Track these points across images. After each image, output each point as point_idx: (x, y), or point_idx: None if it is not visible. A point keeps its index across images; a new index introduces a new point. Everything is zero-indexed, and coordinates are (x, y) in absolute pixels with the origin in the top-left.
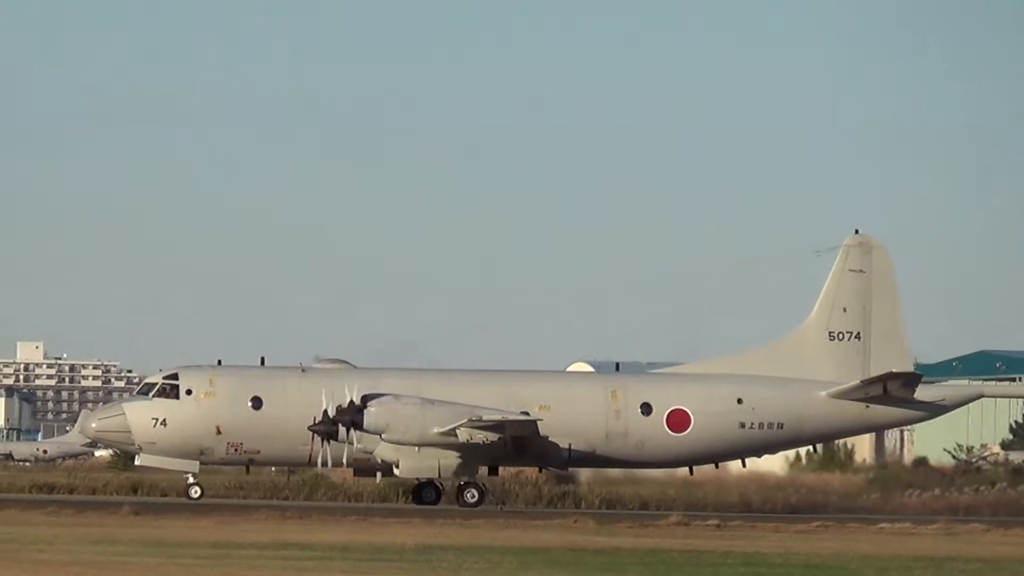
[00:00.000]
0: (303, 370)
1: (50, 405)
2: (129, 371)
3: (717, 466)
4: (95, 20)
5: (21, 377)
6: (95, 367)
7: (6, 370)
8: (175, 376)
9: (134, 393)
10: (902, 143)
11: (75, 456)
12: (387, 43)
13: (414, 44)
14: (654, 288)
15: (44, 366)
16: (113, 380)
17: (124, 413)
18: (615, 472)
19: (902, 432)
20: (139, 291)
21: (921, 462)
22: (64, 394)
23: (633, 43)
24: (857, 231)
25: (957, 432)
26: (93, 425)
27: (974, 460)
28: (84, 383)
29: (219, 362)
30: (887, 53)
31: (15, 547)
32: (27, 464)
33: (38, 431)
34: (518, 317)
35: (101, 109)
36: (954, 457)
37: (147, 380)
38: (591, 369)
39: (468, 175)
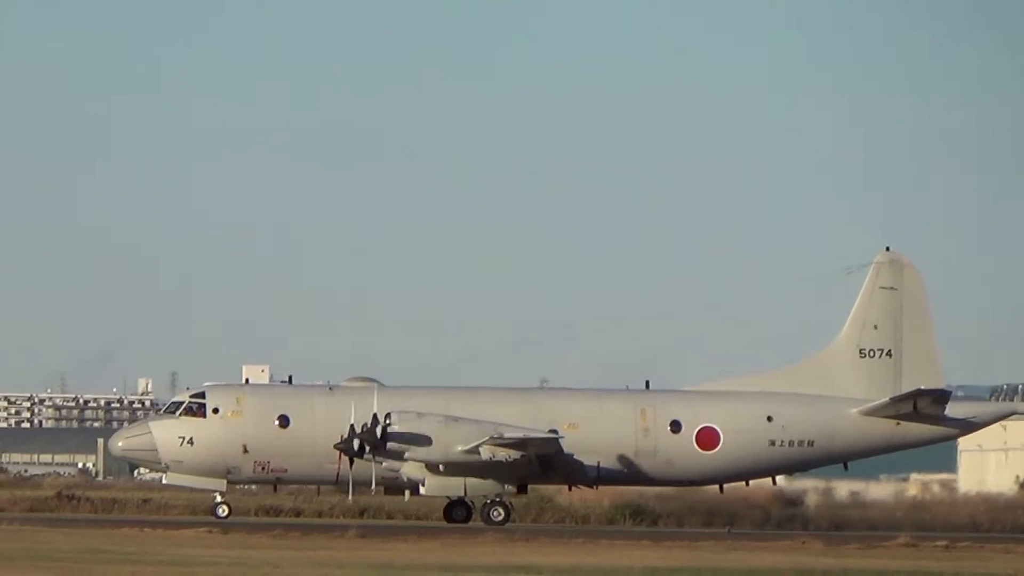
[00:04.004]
0: (330, 388)
1: None
2: None
3: (747, 484)
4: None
5: None
6: None
7: None
8: (202, 394)
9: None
10: (934, 160)
11: None
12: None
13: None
14: (686, 307)
15: None
16: None
17: (151, 432)
18: (843, 494)
19: None
20: (366, 311)
21: None
22: None
23: (651, 55)
24: (888, 248)
25: None
26: (120, 444)
27: None
28: None
29: (246, 380)
30: (921, 67)
31: (242, 570)
32: (253, 488)
33: None
34: (546, 338)
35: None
36: None
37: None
38: None
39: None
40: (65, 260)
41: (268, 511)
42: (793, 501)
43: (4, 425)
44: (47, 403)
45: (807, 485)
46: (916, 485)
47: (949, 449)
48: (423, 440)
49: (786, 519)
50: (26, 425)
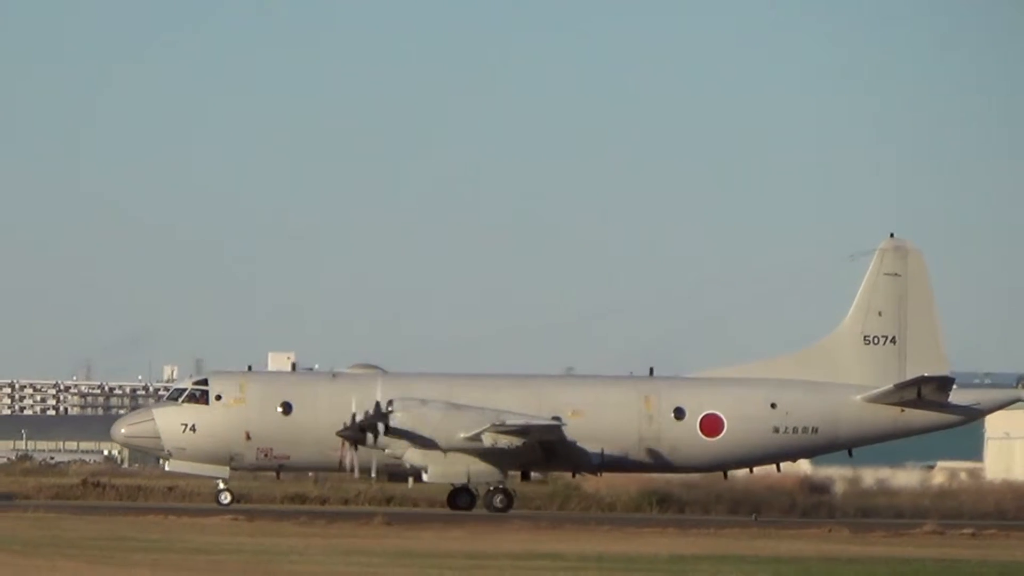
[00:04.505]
0: (333, 375)
1: None
2: None
3: (752, 471)
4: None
5: None
6: None
7: None
8: (205, 381)
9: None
10: (938, 145)
11: None
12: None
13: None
14: (690, 294)
15: None
16: None
17: (153, 419)
18: (869, 481)
19: None
20: (388, 299)
21: None
22: None
23: (657, 44)
24: (892, 235)
25: None
26: (123, 431)
27: None
28: None
29: (250, 367)
30: (925, 53)
31: (267, 558)
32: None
33: None
34: (555, 325)
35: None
36: None
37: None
38: None
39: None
40: (91, 248)
41: (293, 499)
42: (820, 488)
43: (30, 412)
44: (73, 390)
45: (834, 472)
46: (943, 473)
47: (976, 437)
48: (425, 426)
49: (812, 506)
50: (52, 412)
